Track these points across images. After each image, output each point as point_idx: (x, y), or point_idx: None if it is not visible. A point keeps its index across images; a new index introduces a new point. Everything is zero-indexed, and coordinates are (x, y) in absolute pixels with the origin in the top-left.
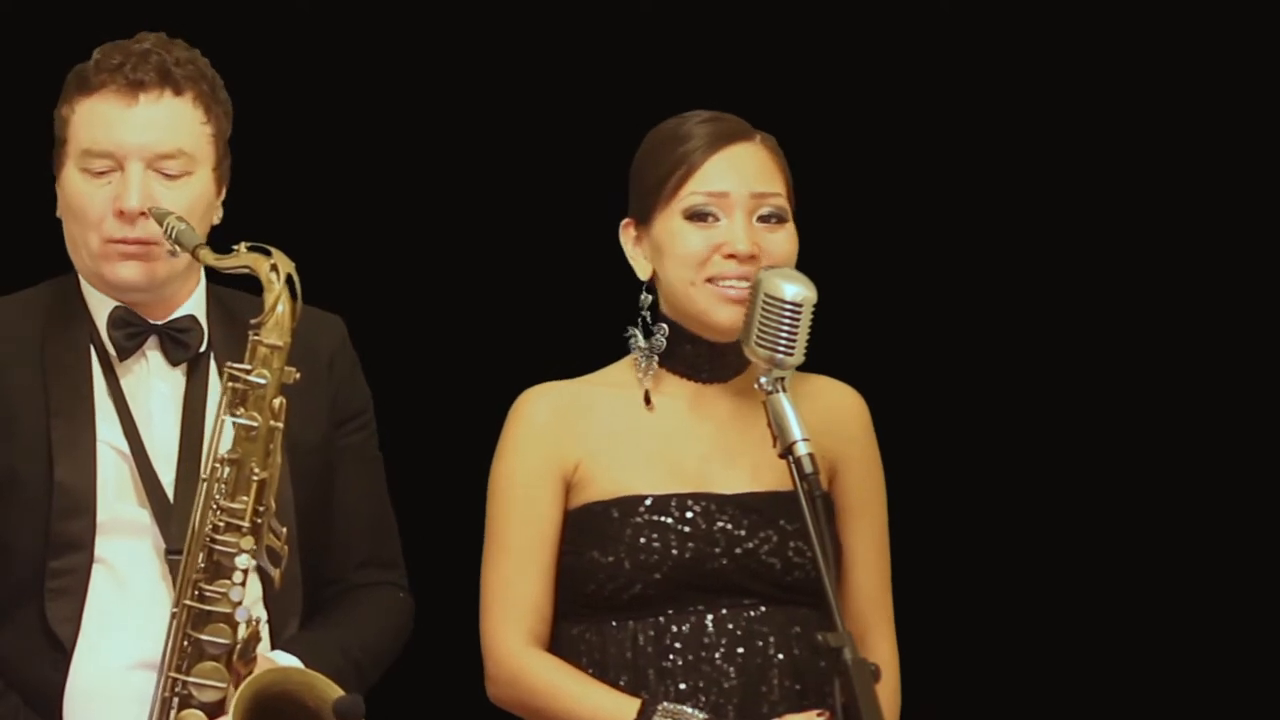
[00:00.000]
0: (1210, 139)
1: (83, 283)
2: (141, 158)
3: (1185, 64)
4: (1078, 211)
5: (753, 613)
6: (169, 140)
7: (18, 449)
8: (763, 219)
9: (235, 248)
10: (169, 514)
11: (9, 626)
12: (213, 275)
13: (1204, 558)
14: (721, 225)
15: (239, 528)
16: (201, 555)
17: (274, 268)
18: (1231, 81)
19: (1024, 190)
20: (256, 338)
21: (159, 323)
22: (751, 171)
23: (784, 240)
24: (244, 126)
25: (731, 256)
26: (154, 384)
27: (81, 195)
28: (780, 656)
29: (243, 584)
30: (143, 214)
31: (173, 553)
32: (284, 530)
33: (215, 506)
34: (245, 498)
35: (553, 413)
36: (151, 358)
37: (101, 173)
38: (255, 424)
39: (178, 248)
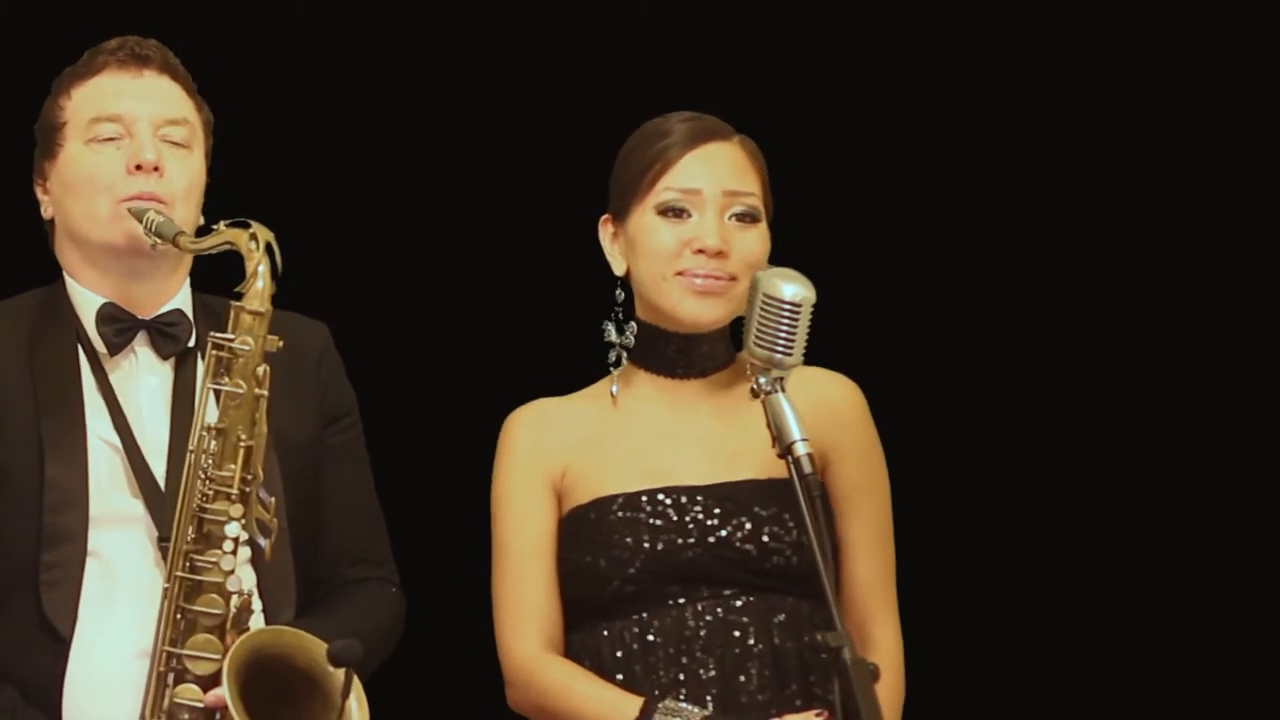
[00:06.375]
0: (1210, 139)
1: (69, 283)
2: (150, 123)
3: (1185, 64)
4: (1074, 210)
5: (736, 603)
6: (176, 109)
7: (8, 448)
8: (735, 217)
9: (214, 228)
10: (161, 504)
11: (4, 620)
12: (195, 282)
13: (1204, 548)
14: (693, 221)
15: (228, 495)
16: (192, 527)
17: (253, 237)
18: (1232, 81)
19: (1019, 190)
20: (239, 305)
21: (147, 318)
22: (726, 170)
23: (754, 239)
24: (231, 130)
25: (700, 251)
26: (143, 379)
27: (89, 164)
28: (759, 646)
29: (233, 553)
30: (156, 169)
31: (165, 540)
32: (272, 501)
33: (204, 475)
34: (233, 465)
35: (537, 428)
36: (140, 353)
37: (110, 138)
38: (240, 390)
39: (158, 240)
